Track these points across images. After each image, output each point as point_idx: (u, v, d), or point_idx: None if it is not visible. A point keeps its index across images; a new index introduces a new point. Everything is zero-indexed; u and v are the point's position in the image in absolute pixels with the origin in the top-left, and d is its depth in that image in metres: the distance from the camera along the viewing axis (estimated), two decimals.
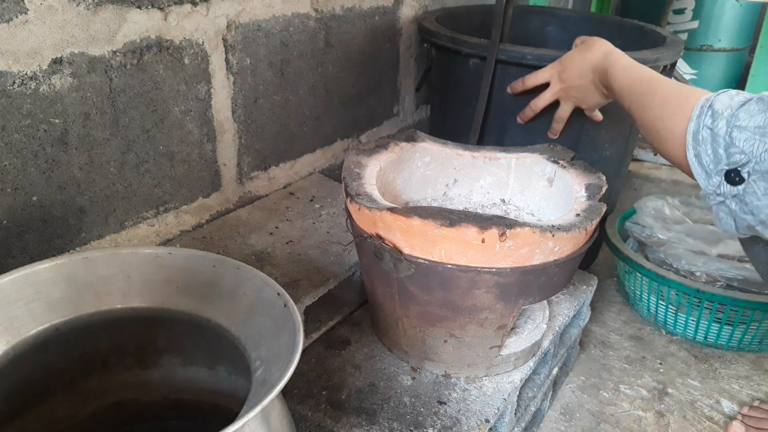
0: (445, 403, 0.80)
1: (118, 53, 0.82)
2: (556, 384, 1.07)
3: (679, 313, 1.23)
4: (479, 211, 0.96)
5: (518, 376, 0.85)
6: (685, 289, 1.18)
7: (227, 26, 0.97)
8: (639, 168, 2.09)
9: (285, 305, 0.57)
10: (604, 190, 0.82)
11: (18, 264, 0.78)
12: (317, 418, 0.77)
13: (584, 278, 1.09)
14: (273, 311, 0.58)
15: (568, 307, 1.00)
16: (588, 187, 0.82)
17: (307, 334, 0.88)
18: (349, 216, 0.79)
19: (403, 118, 1.51)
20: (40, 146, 0.77)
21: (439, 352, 0.83)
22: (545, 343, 0.91)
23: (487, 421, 0.77)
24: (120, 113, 0.85)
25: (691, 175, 0.71)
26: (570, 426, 1.04)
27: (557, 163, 0.90)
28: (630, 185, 1.95)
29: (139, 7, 0.83)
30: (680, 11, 2.34)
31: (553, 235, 0.70)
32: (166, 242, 0.97)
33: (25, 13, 0.71)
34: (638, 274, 1.26)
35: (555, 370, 1.00)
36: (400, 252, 0.73)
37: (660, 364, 1.19)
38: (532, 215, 0.94)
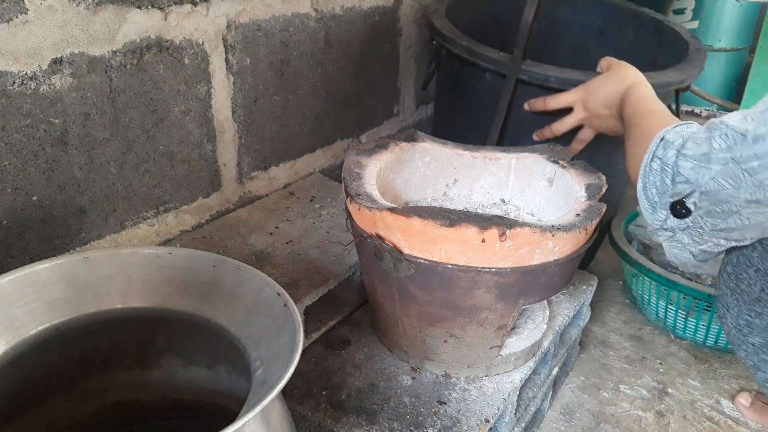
0: (445, 403, 0.80)
1: (118, 53, 0.82)
2: (556, 384, 1.07)
3: (689, 318, 1.22)
4: (479, 211, 0.96)
5: (518, 376, 0.85)
6: (696, 293, 1.17)
7: (227, 26, 0.97)
8: None
9: (285, 305, 0.57)
10: (604, 190, 0.82)
11: (18, 264, 0.78)
12: (317, 418, 0.77)
13: (584, 278, 1.09)
14: (273, 311, 0.58)
15: (568, 307, 1.00)
16: (588, 187, 0.82)
17: (307, 334, 0.88)
18: (349, 216, 0.79)
19: (403, 118, 1.51)
20: (40, 146, 0.77)
21: (439, 352, 0.83)
22: (545, 343, 0.91)
23: (487, 421, 0.78)
24: (120, 113, 0.85)
25: None
26: (570, 426, 1.04)
27: (557, 163, 0.90)
28: (632, 186, 1.94)
29: (139, 7, 0.83)
30: (680, 11, 2.34)
31: (553, 235, 0.70)
32: (166, 242, 0.98)
33: (25, 13, 0.71)
34: (646, 278, 1.25)
35: (555, 370, 1.00)
36: (400, 252, 0.73)
37: (660, 364, 1.19)
38: (532, 215, 0.94)
